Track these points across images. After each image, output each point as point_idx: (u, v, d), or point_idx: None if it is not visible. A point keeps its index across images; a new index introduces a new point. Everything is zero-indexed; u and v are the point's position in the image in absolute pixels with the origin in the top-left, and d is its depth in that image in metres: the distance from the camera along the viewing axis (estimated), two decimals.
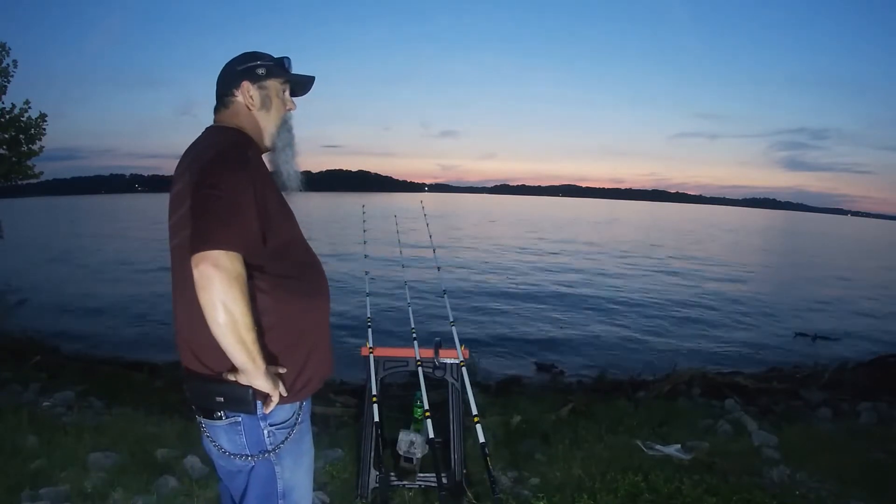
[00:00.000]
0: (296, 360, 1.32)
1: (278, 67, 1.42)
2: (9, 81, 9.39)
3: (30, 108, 9.55)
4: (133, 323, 9.77)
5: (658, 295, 13.69)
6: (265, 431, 1.31)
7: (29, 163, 9.88)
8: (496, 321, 10.32)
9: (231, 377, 1.23)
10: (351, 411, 4.28)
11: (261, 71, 1.40)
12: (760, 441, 3.52)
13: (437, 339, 2.68)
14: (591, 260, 20.90)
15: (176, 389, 4.52)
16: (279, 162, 1.45)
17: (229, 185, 1.18)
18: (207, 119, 1.43)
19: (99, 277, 15.20)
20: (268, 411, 1.28)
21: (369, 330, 2.73)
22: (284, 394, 1.28)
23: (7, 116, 9.44)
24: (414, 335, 2.77)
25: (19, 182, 10.28)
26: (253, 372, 1.19)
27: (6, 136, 9.49)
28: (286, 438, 1.33)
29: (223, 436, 1.31)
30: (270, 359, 1.25)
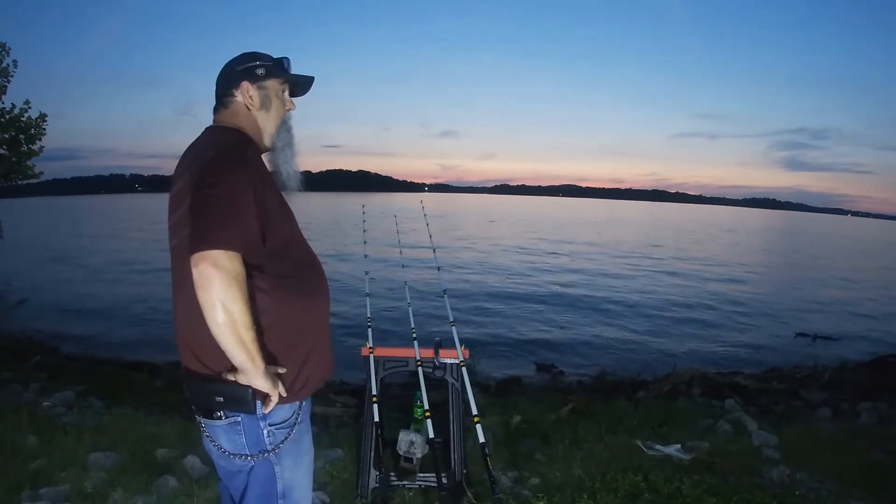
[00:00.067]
0: (295, 360, 1.32)
1: (277, 68, 1.42)
2: (9, 81, 9.42)
3: (30, 108, 9.59)
4: (133, 323, 9.76)
5: (658, 295, 13.69)
6: (265, 431, 1.31)
7: (29, 163, 9.91)
8: (496, 321, 10.31)
9: (230, 377, 1.23)
10: (351, 411, 4.28)
11: (260, 71, 1.40)
12: (760, 441, 3.52)
13: (437, 339, 2.68)
14: (590, 260, 20.89)
15: (176, 389, 4.52)
16: (279, 162, 1.45)
17: (229, 185, 1.18)
18: (207, 119, 1.43)
19: (99, 277, 15.21)
20: (267, 411, 1.28)
21: (369, 330, 2.73)
22: (284, 394, 1.28)
23: (7, 116, 9.46)
24: (414, 335, 2.77)
25: (19, 182, 10.30)
26: (252, 371, 1.19)
27: (6, 136, 9.51)
28: (286, 438, 1.33)
29: (223, 435, 1.31)
30: (270, 358, 1.25)
